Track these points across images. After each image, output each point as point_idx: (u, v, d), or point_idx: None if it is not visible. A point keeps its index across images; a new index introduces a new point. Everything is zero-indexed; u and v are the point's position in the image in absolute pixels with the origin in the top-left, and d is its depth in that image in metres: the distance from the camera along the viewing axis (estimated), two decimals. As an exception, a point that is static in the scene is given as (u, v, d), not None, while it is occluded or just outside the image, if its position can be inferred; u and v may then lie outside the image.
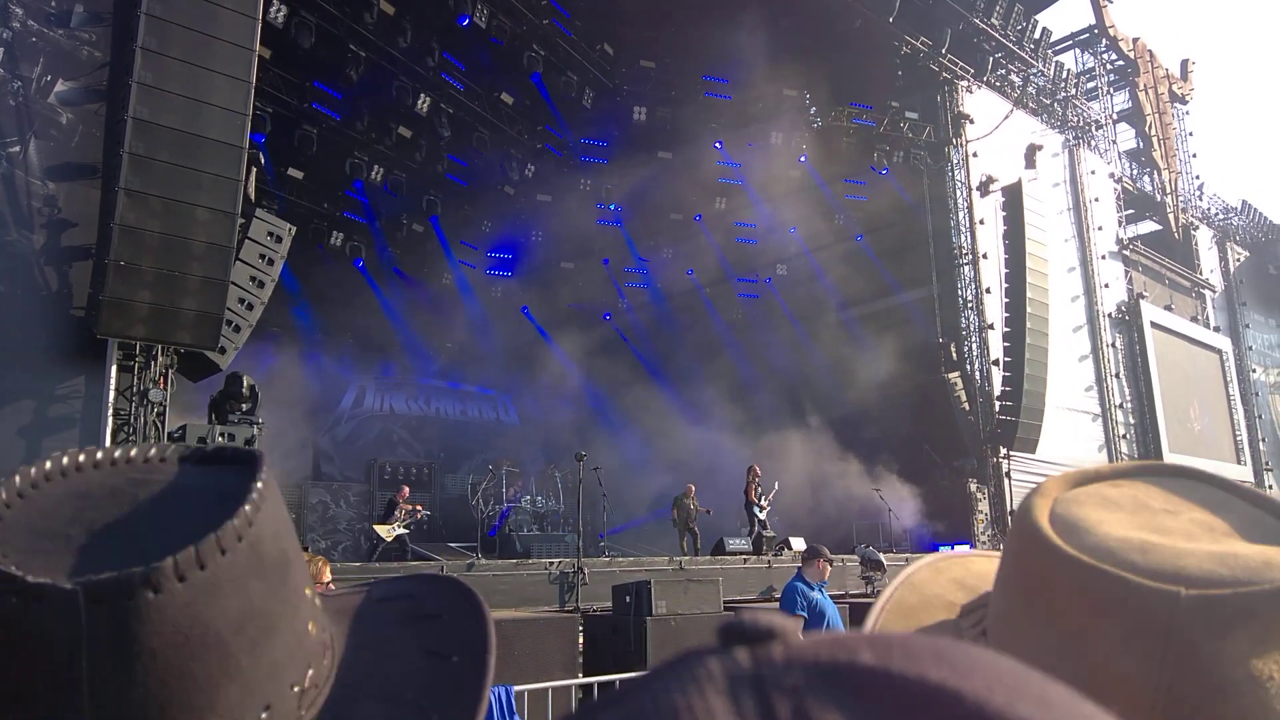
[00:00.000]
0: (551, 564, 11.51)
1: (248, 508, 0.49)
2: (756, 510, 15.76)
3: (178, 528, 0.48)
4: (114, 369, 10.21)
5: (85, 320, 9.98)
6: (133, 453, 0.55)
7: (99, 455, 0.54)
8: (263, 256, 11.59)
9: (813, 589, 6.94)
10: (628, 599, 9.04)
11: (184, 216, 9.88)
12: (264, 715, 0.50)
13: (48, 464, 0.53)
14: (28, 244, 10.03)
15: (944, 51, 20.15)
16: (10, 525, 0.49)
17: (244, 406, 11.59)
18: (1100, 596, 0.62)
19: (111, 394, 10.15)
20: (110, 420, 10.11)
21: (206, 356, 10.90)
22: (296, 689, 0.53)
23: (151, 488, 0.53)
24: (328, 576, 4.65)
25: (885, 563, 14.17)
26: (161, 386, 10.50)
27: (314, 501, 18.65)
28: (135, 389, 10.31)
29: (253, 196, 11.48)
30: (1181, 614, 0.60)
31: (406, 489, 15.29)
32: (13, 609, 0.44)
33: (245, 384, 11.70)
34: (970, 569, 0.82)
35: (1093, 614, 0.63)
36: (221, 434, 10.55)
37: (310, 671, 0.55)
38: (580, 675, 8.01)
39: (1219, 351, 28.69)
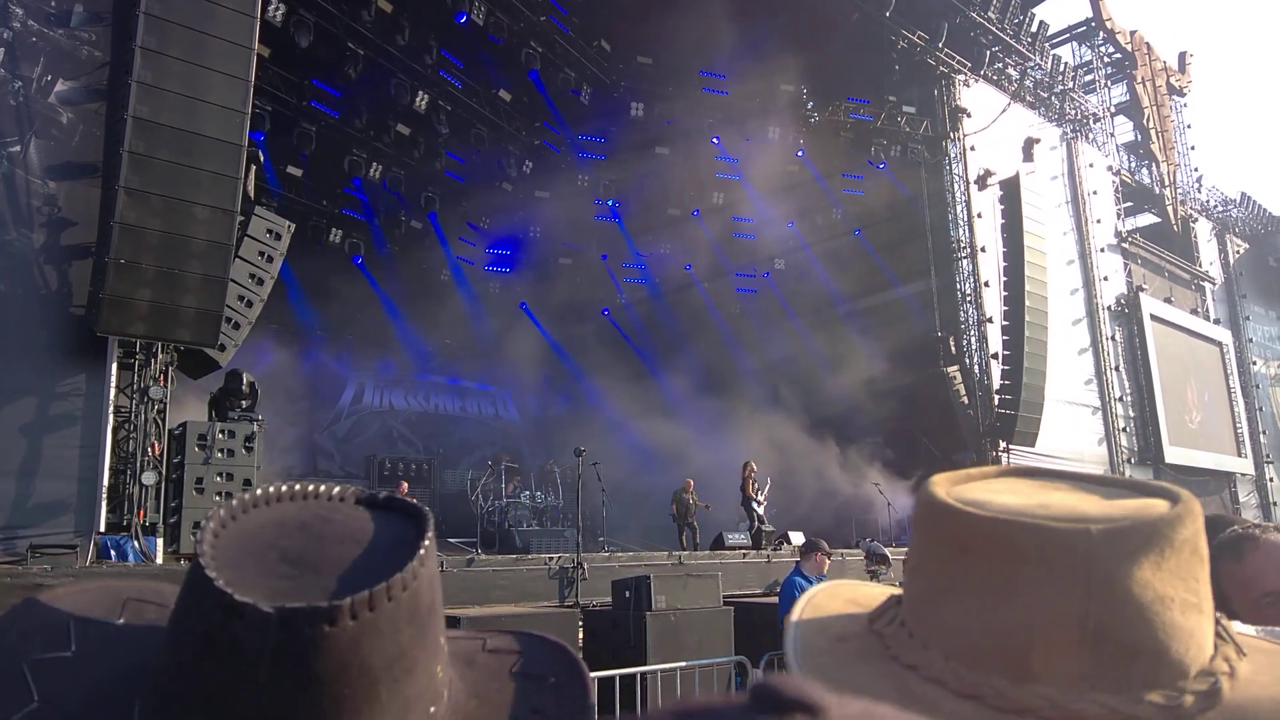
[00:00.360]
0: (551, 559, 11.56)
1: (415, 563, 0.56)
2: (755, 505, 15.82)
3: (357, 568, 0.56)
4: (114, 366, 10.26)
5: (86, 318, 10.03)
6: (321, 489, 0.63)
7: (296, 488, 0.62)
8: (262, 254, 11.64)
9: (811, 583, 7.00)
10: (627, 594, 9.09)
11: (184, 214, 9.93)
12: None
13: (255, 493, 0.61)
14: (28, 243, 10.07)
15: (940, 45, 20.16)
16: (223, 545, 0.56)
17: (244, 403, 11.65)
18: (1021, 545, 0.68)
19: (112, 391, 10.20)
20: (111, 418, 10.16)
21: (206, 354, 10.95)
22: None
23: (335, 525, 0.61)
24: None
25: (890, 557, 14.21)
26: (162, 384, 10.55)
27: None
28: (136, 386, 10.36)
29: (252, 194, 11.52)
30: (1094, 546, 0.66)
31: (405, 485, 15.37)
32: (217, 620, 0.52)
33: (245, 381, 11.76)
34: (858, 592, 0.88)
35: (1016, 563, 0.68)
36: (221, 431, 10.61)
37: (433, 709, 0.61)
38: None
39: (1219, 344, 28.70)
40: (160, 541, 10.05)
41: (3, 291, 9.87)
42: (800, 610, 0.84)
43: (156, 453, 10.38)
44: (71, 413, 10.01)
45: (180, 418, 11.15)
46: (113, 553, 9.40)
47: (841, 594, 0.88)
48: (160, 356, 10.62)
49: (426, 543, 0.59)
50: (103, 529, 9.77)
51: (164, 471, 10.44)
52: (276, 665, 0.52)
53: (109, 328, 9.86)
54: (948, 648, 0.70)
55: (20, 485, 9.50)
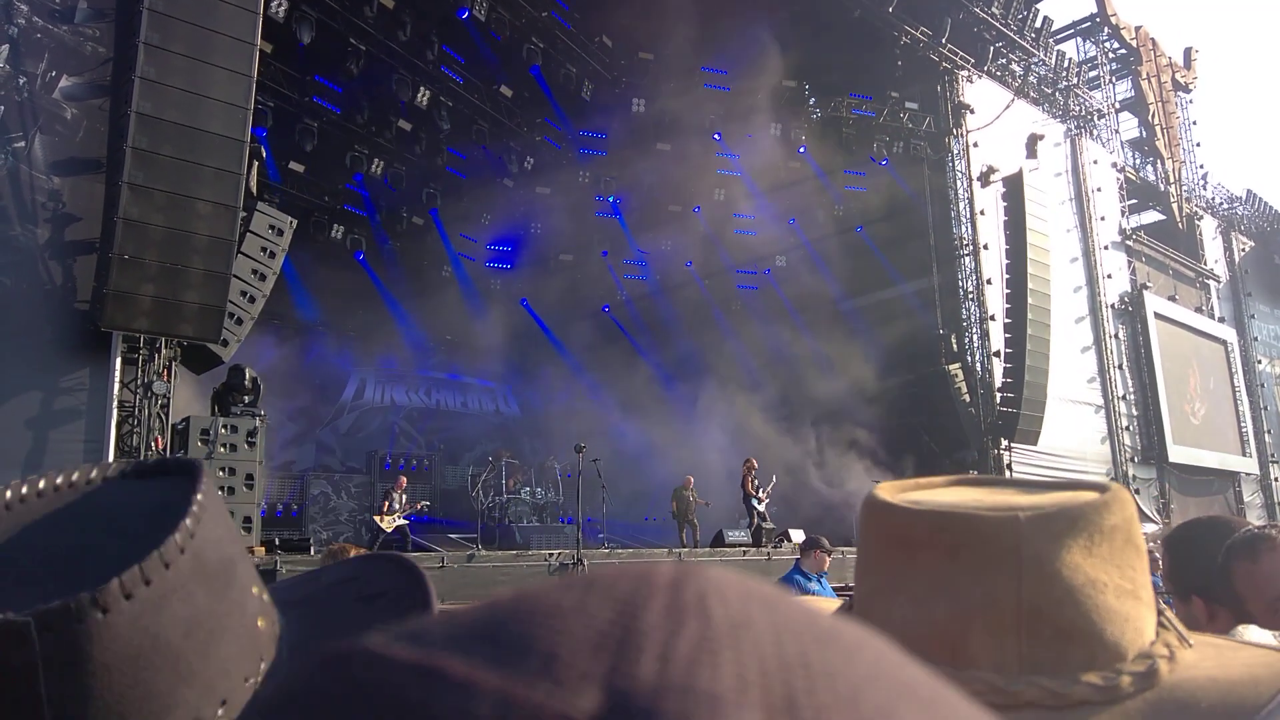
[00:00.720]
0: (551, 555, 11.61)
1: (188, 521, 0.52)
2: (755, 502, 15.83)
3: (122, 546, 0.51)
4: (118, 361, 10.31)
5: (90, 313, 10.07)
6: (74, 476, 0.58)
7: (41, 484, 0.56)
8: (264, 249, 11.68)
9: (811, 580, 7.01)
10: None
11: (186, 210, 9.97)
12: (221, 710, 0.54)
13: (4, 495, 0.56)
14: (32, 238, 10.12)
15: (944, 41, 20.12)
16: None
17: (246, 398, 11.70)
18: (955, 535, 0.70)
19: (116, 386, 10.26)
20: (115, 412, 10.22)
21: (209, 349, 11.00)
22: (250, 681, 0.56)
23: (94, 509, 0.56)
24: None
25: None
26: (165, 379, 10.60)
27: (315, 493, 18.79)
28: (139, 381, 10.42)
29: (254, 190, 11.56)
30: (1024, 531, 0.69)
31: (404, 479, 15.39)
32: None
33: (248, 376, 11.80)
34: (817, 604, 0.92)
35: (951, 551, 0.70)
36: (224, 426, 10.66)
37: (263, 664, 0.58)
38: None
39: (1224, 342, 28.63)
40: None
41: (7, 286, 9.92)
42: None
43: (160, 447, 10.44)
44: (76, 407, 10.07)
45: (184, 413, 11.21)
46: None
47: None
48: (163, 352, 10.67)
49: (199, 497, 0.54)
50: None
51: (167, 466, 10.48)
52: (52, 674, 0.47)
53: (113, 323, 9.90)
54: (894, 642, 0.71)
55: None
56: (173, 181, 9.85)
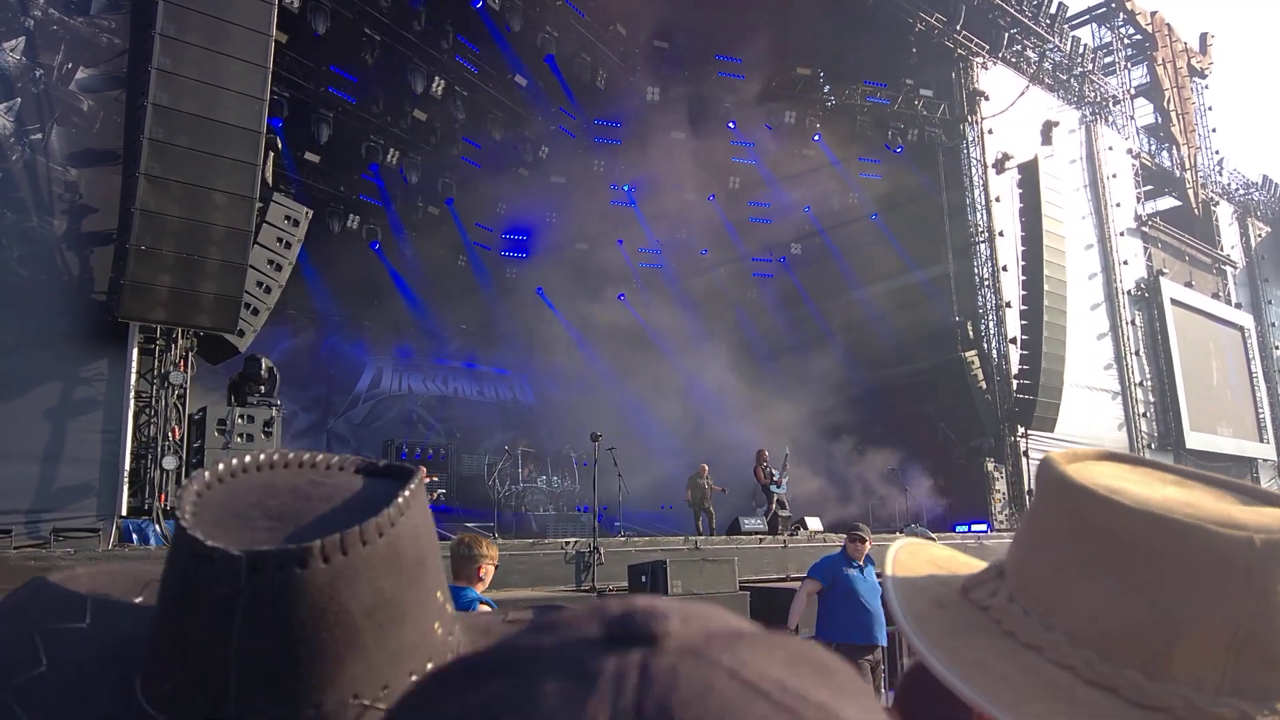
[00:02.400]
0: (568, 543, 11.61)
1: (391, 509, 0.56)
2: (774, 488, 15.81)
3: (336, 521, 0.56)
4: (135, 352, 10.35)
5: (107, 304, 10.12)
6: (318, 459, 0.64)
7: (289, 456, 0.63)
8: (280, 240, 11.70)
9: (852, 565, 7.11)
10: (643, 579, 9.15)
11: (203, 201, 10.00)
12: (382, 693, 0.57)
13: (245, 459, 0.62)
14: (50, 229, 10.17)
15: (958, 28, 19.97)
16: (205, 504, 0.57)
17: (262, 388, 11.74)
18: (1177, 544, 0.66)
19: (133, 377, 10.31)
20: (132, 403, 10.27)
21: (225, 339, 11.04)
22: (414, 677, 0.59)
23: (326, 489, 0.61)
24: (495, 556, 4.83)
25: (935, 540, 14.37)
26: (182, 369, 10.65)
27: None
28: (156, 371, 10.46)
29: (270, 181, 11.58)
30: (1256, 556, 0.65)
31: (424, 469, 15.45)
32: (190, 569, 0.53)
33: (264, 366, 11.85)
34: (933, 554, 0.87)
35: (1170, 561, 0.67)
36: (240, 416, 10.70)
37: (430, 665, 0.60)
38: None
39: (1241, 328, 28.45)
40: (181, 525, 10.15)
41: (26, 278, 9.98)
42: (891, 567, 0.83)
43: (177, 437, 10.49)
44: (94, 398, 10.13)
45: (200, 403, 11.26)
46: (134, 536, 9.52)
47: (921, 554, 0.87)
48: (180, 342, 10.71)
49: (407, 493, 0.58)
50: (125, 513, 9.90)
51: (184, 456, 10.54)
52: (248, 611, 0.52)
53: (130, 313, 9.95)
54: (1075, 633, 0.69)
55: (44, 469, 9.62)
56: (189, 173, 9.87)
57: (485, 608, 4.29)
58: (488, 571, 4.70)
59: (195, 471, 0.60)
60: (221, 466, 0.60)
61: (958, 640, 0.73)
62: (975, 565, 0.86)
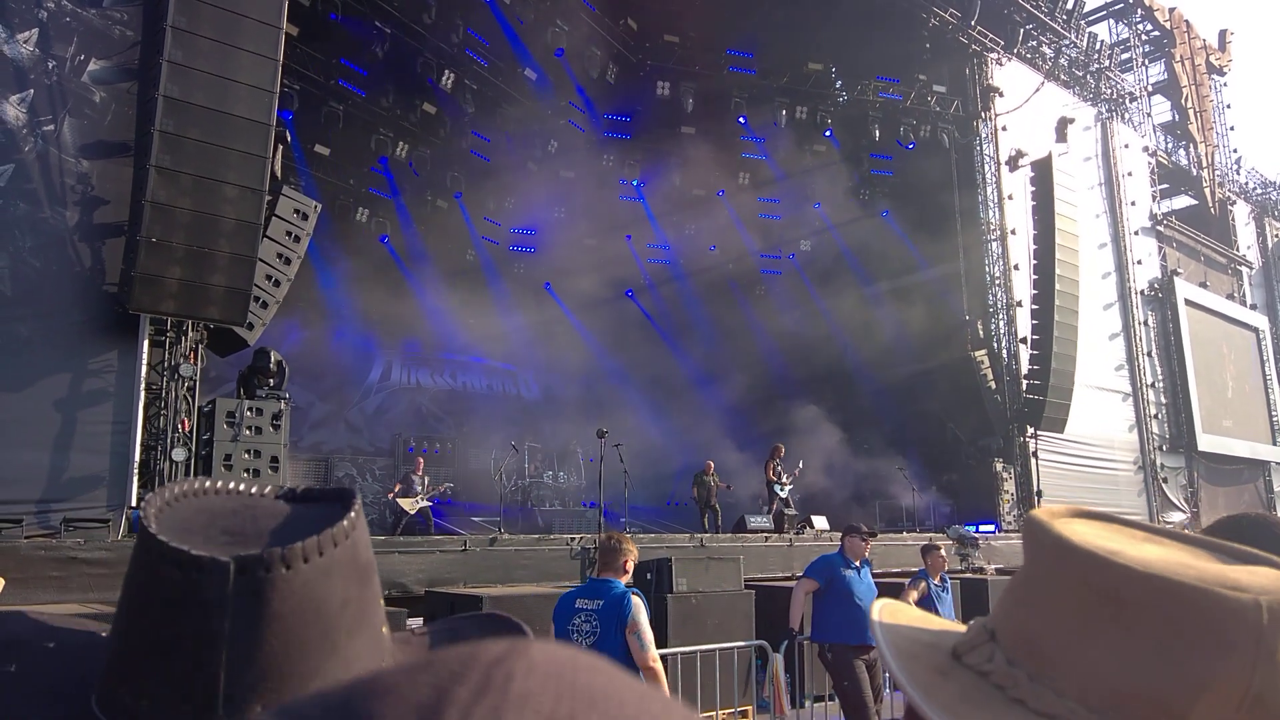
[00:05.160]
0: (573, 539, 11.62)
1: (353, 514, 0.61)
2: (778, 488, 15.79)
3: (289, 534, 0.60)
4: (146, 344, 10.40)
5: (118, 296, 10.15)
6: (242, 486, 0.68)
7: (220, 484, 0.67)
8: (289, 233, 11.72)
9: (849, 565, 7.08)
10: (649, 576, 9.14)
11: (213, 194, 10.02)
12: None
13: (181, 485, 0.66)
14: (62, 221, 10.21)
15: (973, 23, 19.83)
16: (165, 520, 0.61)
17: (271, 381, 11.77)
18: (1186, 608, 0.67)
19: (144, 369, 10.35)
20: (143, 394, 10.31)
21: (235, 332, 11.06)
22: None
23: (263, 510, 0.65)
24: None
25: (979, 539, 14.58)
26: (192, 361, 10.69)
27: (340, 475, 18.94)
28: (166, 364, 10.51)
29: (279, 174, 11.59)
30: (1265, 619, 0.66)
31: (421, 461, 15.50)
32: (176, 578, 0.56)
33: (273, 359, 11.87)
34: (911, 614, 0.86)
35: (1181, 624, 0.67)
36: (250, 408, 10.74)
37: (383, 665, 0.64)
38: (600, 649, 8.10)
39: (1255, 330, 28.23)
40: (190, 517, 10.20)
41: (38, 269, 10.02)
42: (881, 633, 0.82)
43: (186, 429, 10.53)
44: (104, 389, 10.17)
45: (209, 395, 11.29)
46: (144, 527, 9.56)
47: (902, 615, 0.86)
48: (190, 334, 10.75)
49: (355, 510, 0.63)
50: (134, 503, 9.95)
51: (194, 448, 10.59)
52: (238, 613, 0.55)
53: (140, 305, 9.98)
54: (1088, 698, 0.69)
55: (54, 459, 9.68)
56: (199, 165, 9.89)
57: (636, 598, 4.93)
58: (630, 566, 5.11)
59: (146, 496, 0.64)
60: (168, 492, 0.64)
61: (967, 707, 0.72)
62: (951, 626, 0.85)
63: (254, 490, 0.68)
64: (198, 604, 0.55)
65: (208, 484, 0.66)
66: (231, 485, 0.67)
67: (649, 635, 4.90)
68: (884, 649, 0.79)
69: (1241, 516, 1.91)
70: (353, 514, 0.62)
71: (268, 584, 0.56)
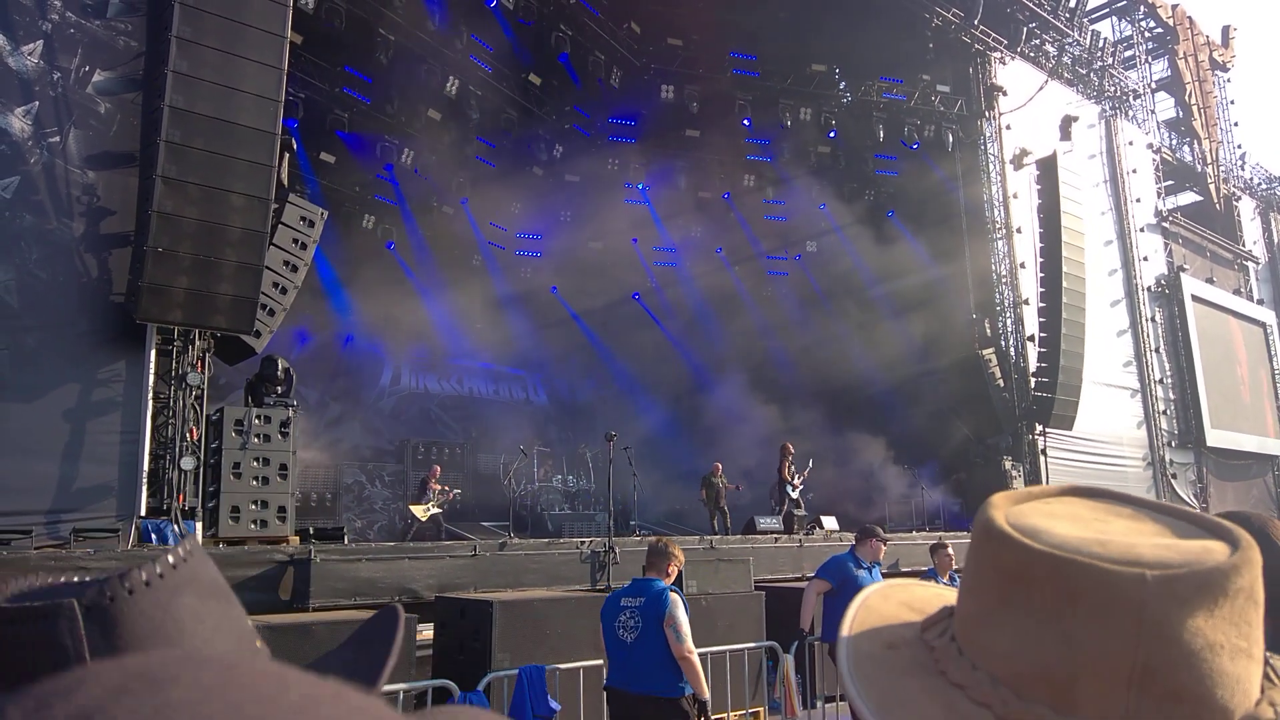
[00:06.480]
0: (583, 543, 11.59)
1: (182, 546, 0.62)
2: (789, 489, 15.76)
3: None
4: (153, 353, 10.41)
5: (125, 306, 10.18)
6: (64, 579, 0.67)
7: (36, 582, 0.65)
8: (296, 241, 11.74)
9: (861, 566, 7.07)
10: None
11: (219, 203, 10.05)
12: None
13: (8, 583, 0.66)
14: (68, 232, 10.24)
15: (976, 23, 19.83)
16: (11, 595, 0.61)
17: (279, 389, 11.78)
18: (1075, 583, 0.69)
19: (151, 378, 10.37)
20: (150, 404, 10.33)
21: (242, 340, 11.09)
22: None
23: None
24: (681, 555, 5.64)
25: None
26: (199, 370, 10.71)
27: (349, 482, 18.94)
28: (174, 372, 10.53)
29: (285, 182, 11.61)
30: (1149, 593, 0.68)
31: (438, 468, 15.51)
32: (27, 632, 0.56)
33: (280, 367, 11.88)
34: (914, 594, 0.90)
35: (1069, 599, 0.69)
36: (257, 416, 10.75)
37: (259, 644, 0.66)
38: (611, 653, 8.09)
39: (1263, 325, 28.14)
40: (199, 525, 10.23)
41: (44, 280, 10.05)
42: (853, 613, 0.86)
43: (195, 438, 10.55)
44: (112, 399, 10.19)
45: (217, 403, 11.31)
46: (153, 536, 9.58)
47: (895, 596, 0.90)
48: (198, 343, 10.77)
49: (187, 540, 0.64)
50: (143, 513, 9.96)
51: (202, 456, 10.61)
52: (95, 647, 0.56)
53: (148, 315, 10.01)
54: (996, 671, 0.72)
55: (63, 469, 9.70)
56: (205, 174, 9.92)
57: (674, 594, 5.26)
58: (674, 570, 5.48)
59: None
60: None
61: (893, 679, 0.77)
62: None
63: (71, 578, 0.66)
64: (57, 648, 0.55)
65: (22, 583, 0.65)
66: (38, 581, 0.66)
67: (685, 629, 5.18)
68: (845, 624, 0.84)
69: (1233, 516, 1.89)
70: (184, 541, 0.63)
71: (116, 612, 0.56)
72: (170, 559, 0.60)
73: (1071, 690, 0.68)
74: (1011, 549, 0.73)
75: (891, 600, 0.88)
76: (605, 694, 5.40)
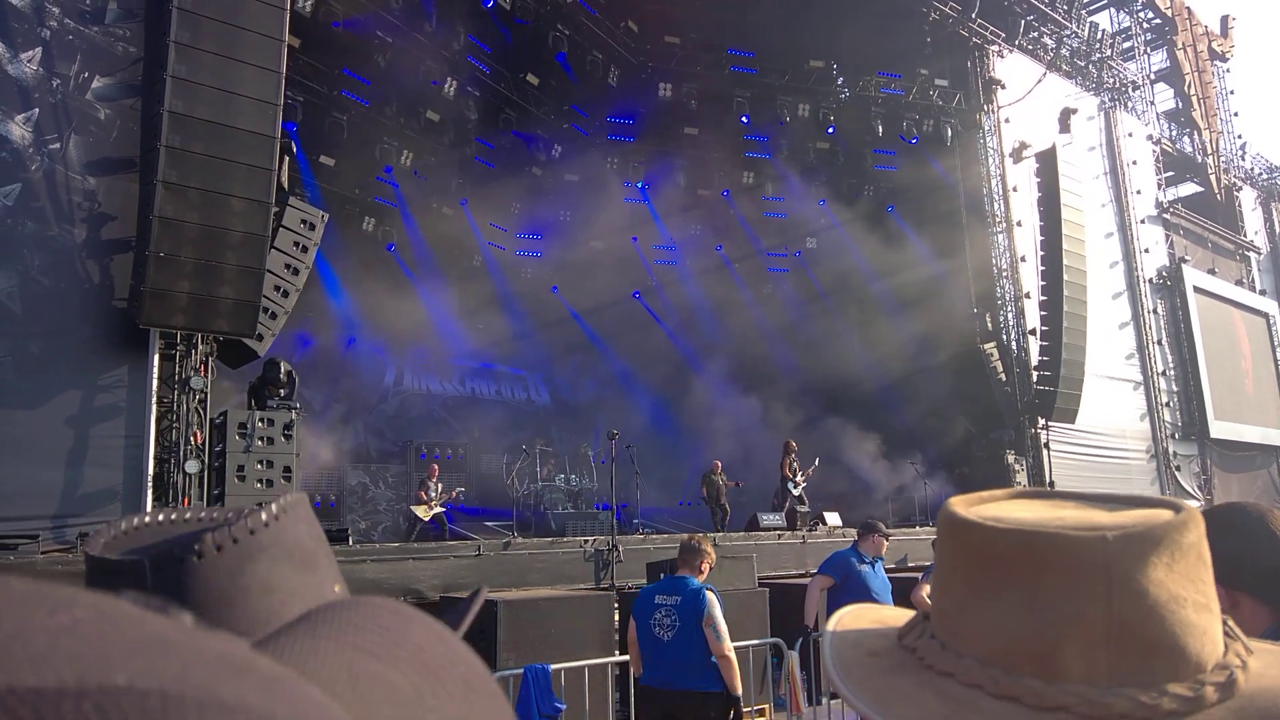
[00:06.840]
0: (586, 542, 11.63)
1: (277, 503, 0.63)
2: (791, 486, 15.77)
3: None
4: (156, 358, 10.45)
5: (127, 311, 10.21)
6: (201, 512, 0.69)
7: (186, 513, 0.68)
8: (297, 244, 11.77)
9: (864, 561, 7.09)
10: (662, 576, 9.12)
11: (220, 207, 10.07)
12: None
13: (140, 517, 0.68)
14: (69, 238, 10.27)
15: (973, 16, 19.81)
16: (111, 544, 0.64)
17: (282, 392, 11.80)
18: (1043, 554, 0.73)
19: (155, 383, 10.40)
20: (154, 408, 10.37)
21: (245, 344, 11.12)
22: None
23: (201, 520, 0.67)
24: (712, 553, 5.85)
25: None
26: (203, 374, 10.74)
27: (353, 483, 18.97)
28: (177, 377, 10.56)
29: (285, 185, 11.64)
30: (1112, 551, 0.72)
31: (436, 468, 15.53)
32: (102, 585, 0.58)
33: (283, 370, 11.91)
34: (882, 614, 0.93)
35: (1039, 570, 0.73)
36: (260, 419, 10.78)
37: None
38: (616, 653, 8.12)
39: (1265, 315, 28.09)
40: (204, 528, 10.25)
41: (46, 286, 10.08)
42: (831, 626, 0.89)
43: (199, 441, 10.59)
44: (116, 404, 10.22)
45: (220, 407, 11.35)
46: (158, 539, 9.61)
47: (867, 616, 0.93)
48: (200, 347, 10.80)
49: (292, 495, 0.65)
50: (149, 517, 9.99)
51: (206, 460, 10.64)
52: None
53: (150, 320, 10.04)
54: (981, 654, 0.75)
55: (68, 475, 9.74)
56: (206, 179, 9.95)
57: (711, 594, 5.39)
58: (706, 567, 5.63)
59: (96, 529, 0.66)
60: (124, 523, 0.66)
61: (885, 681, 0.80)
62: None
63: (216, 514, 0.68)
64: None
65: (174, 513, 0.68)
66: (190, 514, 0.68)
67: (724, 628, 5.32)
68: (824, 637, 0.87)
69: (1232, 506, 1.90)
70: (283, 500, 0.63)
71: (183, 575, 0.57)
72: (250, 524, 0.60)
73: (1055, 657, 0.72)
74: (979, 532, 0.77)
75: (865, 619, 0.92)
76: (638, 691, 5.45)
